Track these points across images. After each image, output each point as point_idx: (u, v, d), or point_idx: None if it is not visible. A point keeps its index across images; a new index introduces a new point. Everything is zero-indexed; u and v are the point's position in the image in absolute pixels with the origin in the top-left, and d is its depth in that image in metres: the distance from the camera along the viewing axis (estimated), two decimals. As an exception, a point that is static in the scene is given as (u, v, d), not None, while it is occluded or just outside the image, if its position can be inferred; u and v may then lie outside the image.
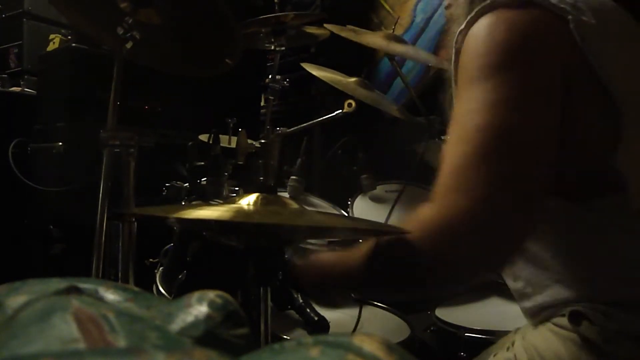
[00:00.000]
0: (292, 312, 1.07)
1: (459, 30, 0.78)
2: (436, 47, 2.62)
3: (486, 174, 0.68)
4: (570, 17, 0.73)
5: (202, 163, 1.54)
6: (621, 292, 0.74)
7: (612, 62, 0.74)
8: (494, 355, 0.87)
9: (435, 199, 0.71)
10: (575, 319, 0.75)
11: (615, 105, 0.73)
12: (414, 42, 2.69)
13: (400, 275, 0.73)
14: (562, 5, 0.73)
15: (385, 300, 1.32)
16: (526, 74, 0.71)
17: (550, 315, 0.79)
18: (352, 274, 0.78)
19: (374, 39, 1.78)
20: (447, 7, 1.00)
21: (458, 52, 0.78)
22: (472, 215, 0.67)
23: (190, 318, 0.38)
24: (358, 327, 1.23)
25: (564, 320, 0.76)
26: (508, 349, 0.84)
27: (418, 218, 0.72)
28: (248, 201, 0.81)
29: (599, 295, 0.74)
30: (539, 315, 0.82)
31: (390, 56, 1.89)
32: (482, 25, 0.74)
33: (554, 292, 0.78)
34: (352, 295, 0.95)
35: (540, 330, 0.81)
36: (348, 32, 1.73)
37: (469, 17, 0.77)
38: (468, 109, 0.72)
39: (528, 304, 0.83)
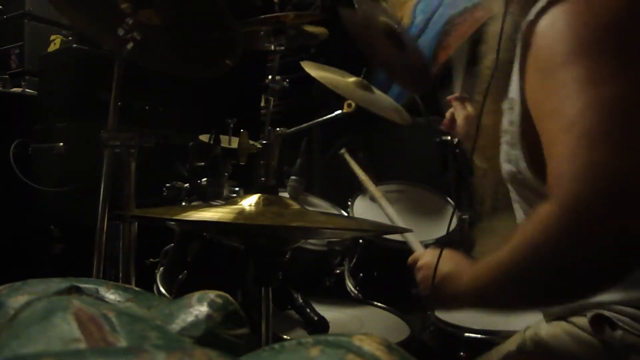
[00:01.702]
0: (292, 312, 1.07)
1: (528, 20, 0.73)
2: (436, 48, 2.62)
3: (603, 153, 0.61)
4: None
5: (203, 163, 1.54)
6: None
7: None
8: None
9: (552, 193, 0.64)
10: (597, 322, 0.72)
11: None
12: (414, 43, 2.70)
13: (549, 282, 0.65)
14: None
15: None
16: (624, 49, 0.66)
17: (571, 312, 0.76)
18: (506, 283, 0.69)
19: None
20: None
21: (527, 44, 0.73)
22: (598, 199, 0.60)
23: (190, 318, 0.38)
24: (358, 327, 1.23)
25: (583, 321, 0.74)
26: (518, 347, 0.82)
27: (538, 219, 0.65)
28: (250, 202, 0.81)
29: (635, 297, 0.70)
30: (559, 310, 0.79)
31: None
32: (562, 11, 0.69)
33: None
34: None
35: (555, 328, 0.78)
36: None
37: (539, 6, 0.72)
38: (565, 94, 0.66)
39: None
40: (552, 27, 0.70)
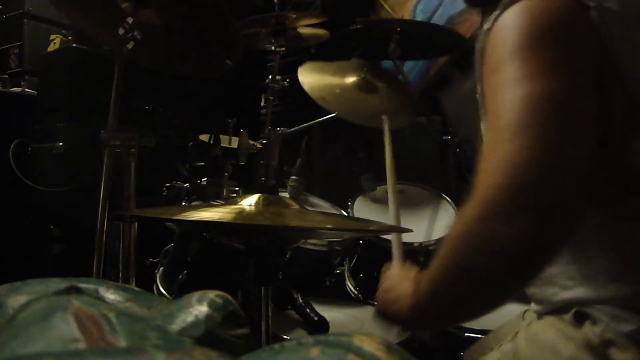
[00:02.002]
0: (292, 312, 1.07)
1: (485, 29, 0.76)
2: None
3: (520, 145, 0.62)
4: (592, 3, 0.71)
5: (202, 163, 1.54)
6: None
7: (635, 50, 0.72)
8: (499, 347, 0.87)
9: (474, 189, 0.65)
10: (579, 318, 0.74)
11: (634, 95, 0.72)
12: (414, 43, 2.70)
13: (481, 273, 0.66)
14: None
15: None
16: (556, 50, 0.69)
17: (556, 311, 0.79)
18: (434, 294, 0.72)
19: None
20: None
21: (483, 51, 0.76)
22: (514, 188, 0.61)
23: (190, 318, 0.38)
24: (358, 327, 1.23)
25: (567, 317, 0.76)
26: (512, 339, 0.85)
27: (459, 216, 0.68)
28: (250, 202, 0.81)
29: (618, 297, 0.73)
30: (550, 307, 0.81)
31: (393, 55, 1.89)
32: (506, 16, 0.73)
33: (578, 291, 0.76)
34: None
35: (544, 323, 0.80)
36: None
37: (493, 15, 0.75)
38: (498, 92, 0.69)
39: (549, 294, 0.81)
40: (502, 26, 0.72)
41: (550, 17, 0.71)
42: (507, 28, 0.72)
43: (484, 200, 0.64)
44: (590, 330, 0.73)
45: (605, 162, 0.72)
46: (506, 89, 0.68)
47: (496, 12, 0.74)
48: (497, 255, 0.63)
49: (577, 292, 0.76)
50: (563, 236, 0.64)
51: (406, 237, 1.49)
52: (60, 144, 2.07)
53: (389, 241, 1.55)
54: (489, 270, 0.64)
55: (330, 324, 1.04)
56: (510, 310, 1.29)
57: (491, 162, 0.65)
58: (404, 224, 1.09)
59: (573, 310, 0.75)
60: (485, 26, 0.76)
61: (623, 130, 0.73)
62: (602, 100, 0.70)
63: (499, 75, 0.70)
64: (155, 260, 1.53)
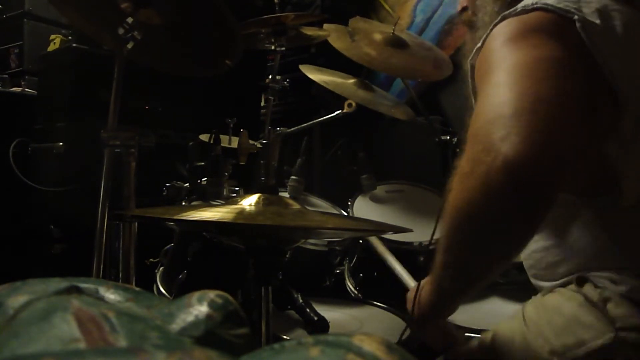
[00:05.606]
0: (292, 312, 1.07)
1: (476, 48, 0.82)
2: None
3: (516, 87, 0.66)
4: (575, 17, 0.75)
5: (203, 163, 1.54)
6: (626, 263, 0.79)
7: (617, 60, 0.76)
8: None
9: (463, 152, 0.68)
10: (581, 282, 0.81)
11: (617, 100, 0.75)
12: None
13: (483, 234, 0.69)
14: (567, 7, 0.76)
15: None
16: (544, 37, 0.74)
17: (560, 285, 0.85)
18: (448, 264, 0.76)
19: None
20: (462, 10, 1.07)
21: (473, 67, 0.82)
22: (503, 118, 0.64)
23: (190, 318, 0.38)
24: (358, 327, 1.23)
25: (571, 285, 0.83)
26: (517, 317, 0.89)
27: (456, 166, 0.70)
28: (250, 202, 0.81)
29: (610, 264, 0.80)
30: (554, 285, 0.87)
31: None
32: (494, 32, 0.79)
33: (577, 263, 0.83)
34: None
35: (549, 293, 0.87)
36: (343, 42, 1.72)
37: (485, 35, 0.81)
38: (489, 72, 0.73)
39: (557, 271, 0.87)
40: (491, 36, 0.79)
41: (536, 21, 0.76)
42: (495, 35, 0.78)
43: (474, 137, 0.66)
44: (590, 291, 0.79)
45: (588, 158, 0.76)
46: (498, 65, 0.72)
47: (487, 32, 0.80)
48: (494, 191, 0.64)
49: (573, 266, 0.83)
50: (552, 162, 0.64)
51: (406, 237, 1.49)
52: (60, 143, 2.07)
53: (389, 241, 1.55)
54: (491, 210, 0.65)
55: (330, 324, 1.04)
56: (509, 311, 1.29)
57: (481, 108, 0.68)
58: (404, 224, 1.09)
59: (575, 276, 0.82)
60: (477, 46, 0.82)
61: (605, 132, 0.77)
62: (590, 103, 0.73)
63: (490, 62, 0.74)
64: (155, 260, 1.53)
